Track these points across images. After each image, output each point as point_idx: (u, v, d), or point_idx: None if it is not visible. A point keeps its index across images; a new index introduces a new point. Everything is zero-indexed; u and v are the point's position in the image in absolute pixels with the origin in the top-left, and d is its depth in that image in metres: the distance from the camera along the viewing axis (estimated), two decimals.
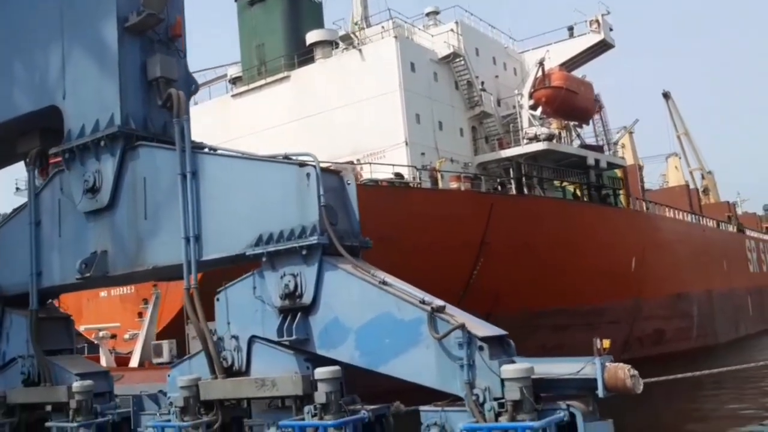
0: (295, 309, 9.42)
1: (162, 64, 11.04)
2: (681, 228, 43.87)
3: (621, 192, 38.26)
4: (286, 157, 9.93)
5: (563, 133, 35.25)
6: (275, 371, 9.45)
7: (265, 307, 9.74)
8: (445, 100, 30.63)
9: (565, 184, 34.22)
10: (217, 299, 10.15)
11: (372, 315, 8.98)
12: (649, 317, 35.55)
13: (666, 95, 72.83)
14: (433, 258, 22.74)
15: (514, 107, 33.70)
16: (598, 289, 31.51)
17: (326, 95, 28.86)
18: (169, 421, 10.02)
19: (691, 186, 62.61)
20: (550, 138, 31.91)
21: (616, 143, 42.78)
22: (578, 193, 35.93)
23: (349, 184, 10.08)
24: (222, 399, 9.83)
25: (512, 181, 30.53)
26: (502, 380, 8.06)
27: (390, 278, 9.25)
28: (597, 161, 35.17)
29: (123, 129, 10.82)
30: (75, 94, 11.46)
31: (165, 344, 20.16)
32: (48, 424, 11.33)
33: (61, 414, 11.60)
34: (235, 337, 9.89)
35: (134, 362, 21.07)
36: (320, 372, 8.82)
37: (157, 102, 11.13)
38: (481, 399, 8.18)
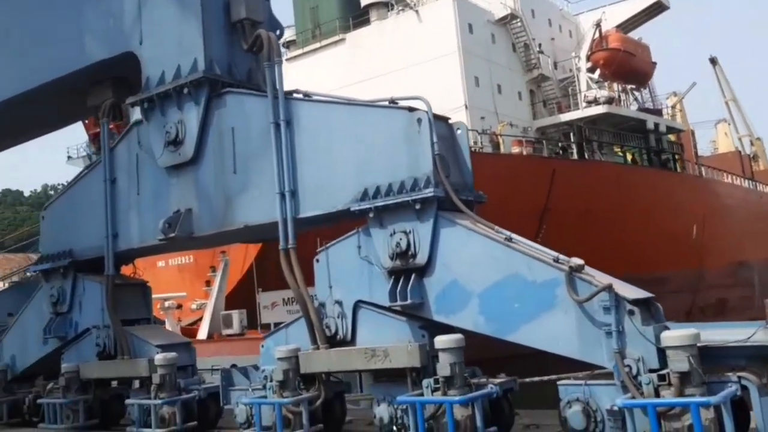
0: (408, 270, 8.20)
1: (247, 4, 9.77)
2: (739, 194, 41.64)
3: (679, 157, 36.27)
4: (393, 101, 8.63)
5: (622, 96, 33.30)
6: (386, 340, 8.28)
7: (372, 268, 8.54)
8: (503, 63, 28.97)
9: (625, 149, 32.40)
10: (317, 260, 8.99)
11: (498, 276, 7.72)
12: (711, 286, 33.77)
13: (713, 61, 69.27)
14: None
15: (571, 70, 31.85)
16: (660, 258, 29.87)
17: (382, 58, 27.42)
18: (264, 397, 8.97)
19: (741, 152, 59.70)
20: (609, 101, 30.11)
21: (673, 107, 40.56)
22: (636, 159, 34.04)
23: (459, 131, 8.77)
24: (325, 372, 8.74)
25: (573, 146, 28.83)
26: (659, 349, 6.81)
27: (516, 235, 7.97)
28: (656, 125, 33.20)
29: (208, 74, 9.64)
30: (153, 38, 10.27)
31: (235, 314, 19.20)
32: (128, 401, 10.29)
33: (140, 390, 10.56)
34: (339, 303, 8.73)
35: (202, 334, 20.14)
36: (442, 341, 7.61)
37: (241, 46, 9.91)
38: (633, 371, 6.92)
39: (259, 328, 19.96)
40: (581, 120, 29.50)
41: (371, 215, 8.42)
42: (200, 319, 21.71)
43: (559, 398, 7.42)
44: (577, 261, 7.44)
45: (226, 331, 19.24)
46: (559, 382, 7.53)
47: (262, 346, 9.38)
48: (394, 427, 8.00)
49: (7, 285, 35.96)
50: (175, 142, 10.12)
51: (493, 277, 7.75)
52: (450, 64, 26.50)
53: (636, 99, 35.70)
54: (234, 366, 17.39)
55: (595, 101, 29.66)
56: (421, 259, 8.15)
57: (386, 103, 8.65)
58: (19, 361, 12.72)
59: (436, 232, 8.12)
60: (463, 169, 8.69)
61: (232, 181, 9.72)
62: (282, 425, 8.43)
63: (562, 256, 7.47)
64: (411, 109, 8.37)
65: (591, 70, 31.98)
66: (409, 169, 8.27)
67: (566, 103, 30.83)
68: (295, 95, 9.38)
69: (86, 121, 46.77)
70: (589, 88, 30.53)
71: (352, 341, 8.64)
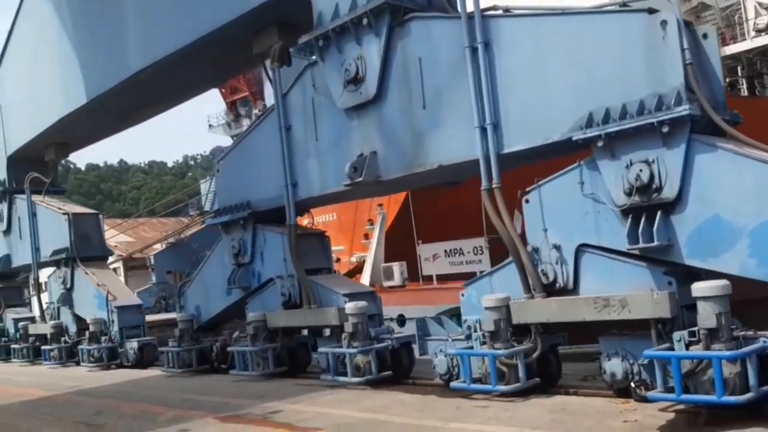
0: (651, 207, 6.65)
1: None
2: None
3: None
4: (624, 4, 7.08)
5: None
6: (618, 288, 6.81)
7: (598, 207, 7.05)
8: None
9: None
10: (526, 201, 7.74)
11: None
12: None
13: None
14: None
15: None
16: None
17: None
18: (470, 348, 8.05)
19: None
20: None
21: None
22: None
23: (706, 37, 7.07)
24: (541, 323, 7.60)
25: (741, 81, 25.21)
26: None
27: None
28: None
29: (389, 0, 8.48)
30: None
31: (395, 266, 18.73)
32: (321, 349, 9.50)
33: (329, 339, 9.88)
34: (557, 247, 7.32)
35: None
36: (705, 288, 6.07)
37: None
38: None
39: (420, 280, 19.37)
40: (750, 52, 25.64)
41: (599, 144, 6.87)
42: (356, 270, 21.51)
43: None
44: None
45: (386, 283, 18.81)
46: None
47: (463, 295, 8.31)
48: (632, 384, 6.80)
49: (164, 246, 38.24)
50: (356, 81, 8.96)
51: None
52: None
53: None
54: (401, 316, 16.95)
55: (767, 29, 25.67)
56: (669, 192, 6.50)
57: (615, 6, 7.11)
58: (203, 311, 12.43)
59: (689, 160, 6.46)
60: (713, 84, 6.88)
61: (421, 118, 8.46)
62: (496, 378, 7.49)
63: None
64: (651, 11, 6.79)
65: None
66: (651, 85, 6.54)
67: (731, 34, 26.96)
68: (492, 12, 8.09)
69: (223, 90, 48.41)
70: (758, 14, 26.45)
71: (574, 290, 7.33)
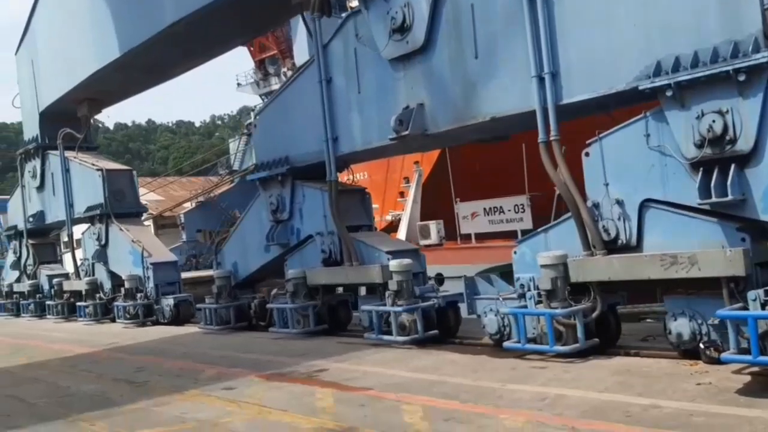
0: (723, 160, 6.31)
1: None
2: None
3: None
4: None
5: None
6: (685, 245, 6.53)
7: (666, 160, 6.71)
8: None
9: None
10: (586, 154, 7.45)
11: None
12: None
13: None
14: None
15: None
16: None
17: None
18: (524, 307, 7.89)
19: None
20: None
21: None
22: None
23: None
24: (603, 282, 7.38)
25: None
26: None
27: None
28: None
29: None
30: None
31: (432, 225, 18.57)
32: (364, 307, 9.39)
33: (369, 297, 9.82)
34: (619, 203, 7.11)
35: None
36: None
37: None
38: None
39: (458, 239, 19.21)
40: None
41: (668, 94, 6.49)
42: (390, 228, 21.36)
43: None
44: None
45: (423, 242, 18.65)
46: None
47: (515, 253, 8.13)
48: (701, 345, 6.58)
49: (194, 205, 38.50)
50: (402, 29, 8.63)
51: None
52: None
53: None
54: (440, 274, 16.83)
55: None
56: (744, 144, 6.14)
57: None
58: (241, 268, 12.43)
59: (766, 110, 6.22)
60: None
61: (473, 68, 8.10)
62: (553, 338, 7.33)
63: None
64: None
65: None
66: (725, 31, 6.13)
67: None
68: None
69: (251, 48, 47.78)
70: None
71: (637, 247, 7.06)
